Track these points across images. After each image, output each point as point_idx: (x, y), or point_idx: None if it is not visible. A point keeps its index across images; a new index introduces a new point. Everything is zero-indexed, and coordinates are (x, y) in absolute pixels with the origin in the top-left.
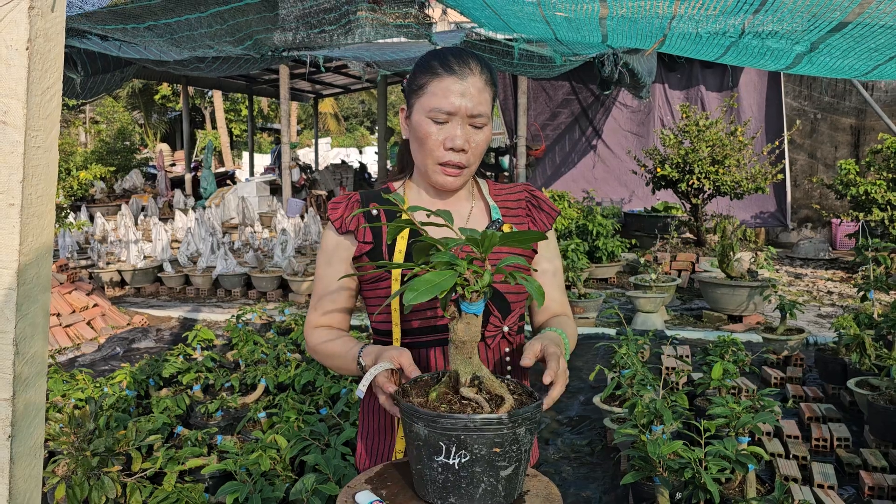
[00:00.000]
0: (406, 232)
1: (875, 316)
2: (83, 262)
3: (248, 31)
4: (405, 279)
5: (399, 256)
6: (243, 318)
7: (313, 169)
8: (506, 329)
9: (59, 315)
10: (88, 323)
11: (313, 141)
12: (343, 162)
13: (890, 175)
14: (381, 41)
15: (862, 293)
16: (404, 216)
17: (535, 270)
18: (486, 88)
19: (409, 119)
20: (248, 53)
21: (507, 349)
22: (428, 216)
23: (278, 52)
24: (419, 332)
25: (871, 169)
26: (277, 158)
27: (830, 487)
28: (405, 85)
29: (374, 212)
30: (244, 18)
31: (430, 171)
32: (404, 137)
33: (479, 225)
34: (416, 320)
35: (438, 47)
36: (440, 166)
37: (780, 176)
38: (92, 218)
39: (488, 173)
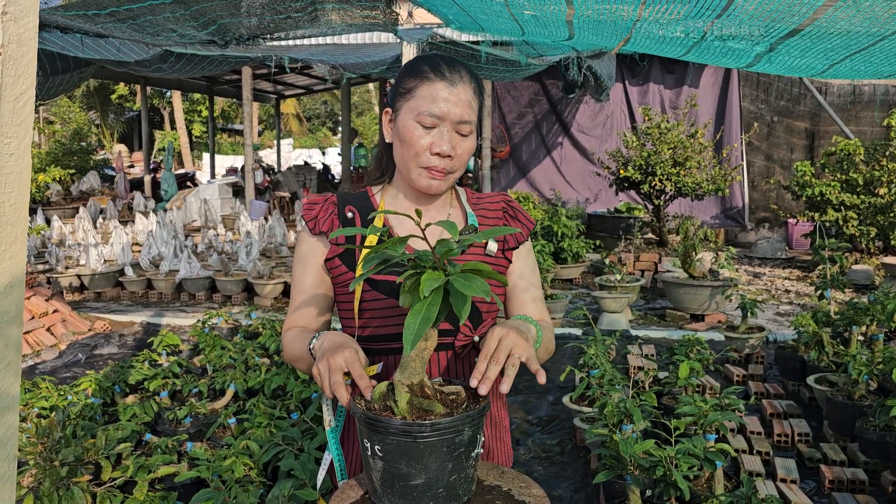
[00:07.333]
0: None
1: (832, 314)
2: (41, 267)
3: (211, 15)
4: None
5: None
6: (209, 323)
7: (276, 170)
8: (476, 339)
9: None
10: (48, 329)
11: (275, 142)
12: (306, 163)
13: (843, 176)
14: (346, 43)
15: (819, 291)
16: (377, 219)
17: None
18: (474, 98)
19: (395, 122)
20: (212, 38)
21: None
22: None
23: (243, 38)
24: (380, 339)
25: (826, 171)
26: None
27: (793, 481)
28: (391, 88)
29: (349, 214)
30: (208, 3)
31: (413, 174)
32: (387, 140)
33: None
34: (378, 327)
35: (427, 53)
36: (425, 170)
37: (738, 178)
38: (48, 221)
39: (469, 177)
